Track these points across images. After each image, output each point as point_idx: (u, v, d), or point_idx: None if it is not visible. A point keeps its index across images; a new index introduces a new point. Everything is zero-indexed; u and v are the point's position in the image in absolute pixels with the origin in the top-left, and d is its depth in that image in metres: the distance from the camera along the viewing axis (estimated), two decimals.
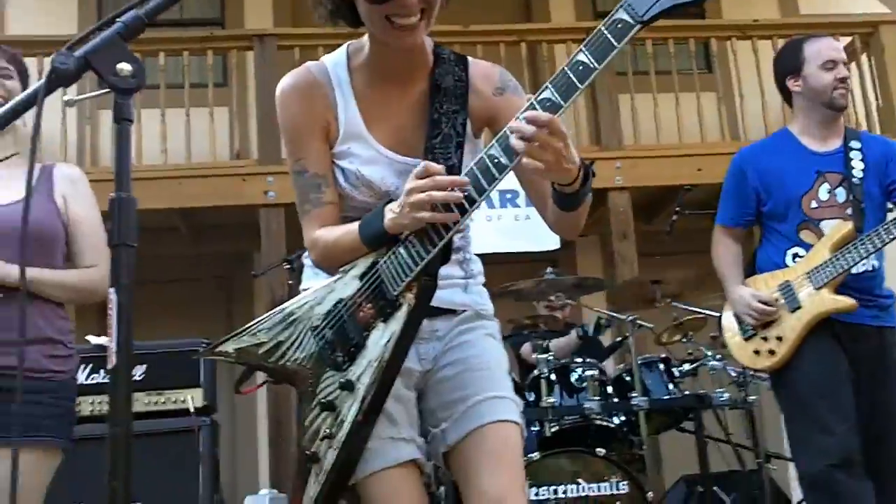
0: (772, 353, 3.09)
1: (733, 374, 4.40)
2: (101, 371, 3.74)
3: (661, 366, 4.41)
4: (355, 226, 1.77)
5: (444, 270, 1.79)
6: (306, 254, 1.92)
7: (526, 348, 4.56)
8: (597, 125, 6.71)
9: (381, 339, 1.70)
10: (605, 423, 4.12)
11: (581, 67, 1.54)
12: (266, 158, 6.09)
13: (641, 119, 6.53)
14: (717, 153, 6.10)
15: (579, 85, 1.55)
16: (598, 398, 4.07)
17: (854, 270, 3.02)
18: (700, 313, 4.67)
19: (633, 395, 4.12)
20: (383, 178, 1.83)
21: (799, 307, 3.05)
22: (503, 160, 1.61)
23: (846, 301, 3.01)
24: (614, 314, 4.72)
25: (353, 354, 1.72)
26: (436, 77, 1.86)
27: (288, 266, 4.44)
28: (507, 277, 4.48)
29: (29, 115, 1.37)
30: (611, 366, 4.74)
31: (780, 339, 3.07)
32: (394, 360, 1.70)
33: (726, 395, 4.32)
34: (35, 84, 1.37)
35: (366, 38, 1.86)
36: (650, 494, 3.70)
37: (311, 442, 1.73)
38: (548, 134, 1.54)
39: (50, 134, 5.97)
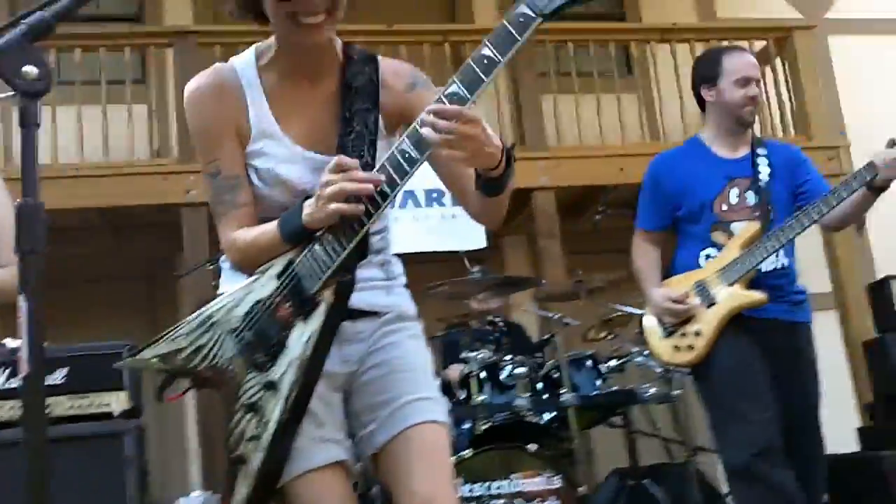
0: (690, 348, 3.19)
1: (658, 369, 4.49)
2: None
3: (589, 362, 4.46)
4: (273, 224, 1.76)
5: (365, 273, 1.80)
6: (224, 257, 1.90)
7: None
8: (520, 125, 6.77)
9: (301, 337, 1.69)
10: (535, 420, 4.16)
11: (486, 61, 1.58)
12: (187, 157, 5.96)
13: (564, 120, 6.60)
14: (638, 154, 6.21)
15: (484, 78, 1.59)
16: (528, 395, 4.10)
17: (764, 268, 3.15)
18: (625, 311, 4.75)
19: (563, 391, 4.17)
20: (300, 176, 1.82)
21: (714, 303, 3.16)
22: (414, 154, 1.63)
23: (758, 295, 3.13)
24: (542, 312, 4.76)
25: (274, 354, 1.71)
26: (346, 76, 1.86)
27: (212, 267, 4.37)
28: (435, 276, 4.48)
29: None
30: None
31: (697, 334, 3.17)
32: (315, 357, 1.69)
33: (653, 391, 4.40)
34: None
35: (273, 37, 1.86)
36: (583, 488, 3.75)
37: (237, 444, 1.71)
38: (461, 124, 1.57)
39: None
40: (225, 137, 1.83)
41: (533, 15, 1.56)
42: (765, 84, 6.52)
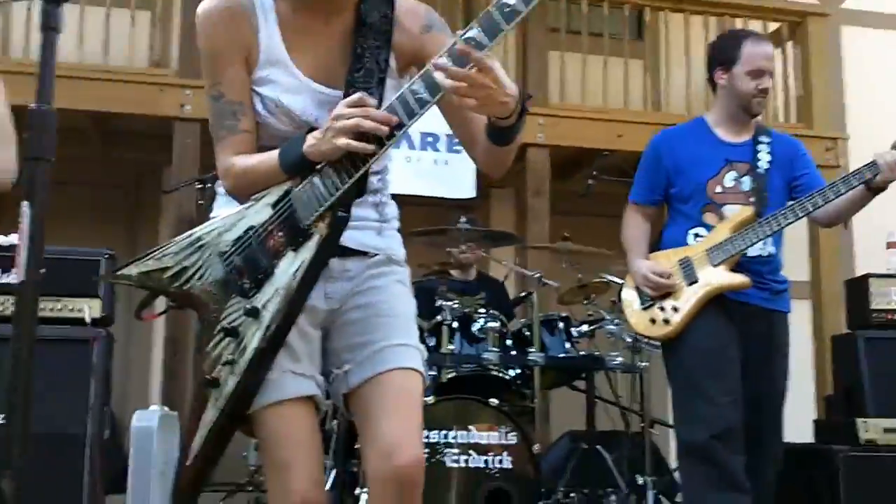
0: (666, 322, 3.22)
1: (628, 339, 4.53)
2: (10, 271, 3.61)
3: (561, 324, 4.50)
4: (273, 153, 1.75)
5: (359, 212, 1.80)
6: (219, 182, 1.89)
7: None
8: (525, 79, 6.71)
9: (290, 267, 1.70)
10: (500, 375, 4.20)
11: (507, 9, 1.57)
12: (186, 71, 5.87)
13: (568, 78, 6.55)
14: (639, 122, 6.21)
15: (504, 26, 1.58)
16: (496, 350, 4.14)
17: (750, 253, 3.18)
18: (604, 278, 4.78)
19: (531, 350, 4.21)
20: (304, 107, 1.81)
21: (695, 281, 3.19)
22: (425, 95, 1.63)
23: (740, 278, 3.16)
24: (521, 269, 4.78)
25: (260, 282, 1.71)
26: (361, 11, 1.84)
27: (200, 186, 4.34)
28: (422, 222, 4.49)
29: None
30: None
31: (675, 309, 3.21)
32: (301, 288, 1.70)
33: (619, 360, 4.45)
34: None
35: None
36: (537, 446, 3.81)
37: (212, 367, 1.72)
38: (476, 71, 1.56)
39: None
40: (232, 62, 1.81)
41: None
42: None
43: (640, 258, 3.34)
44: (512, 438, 3.75)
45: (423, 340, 4.00)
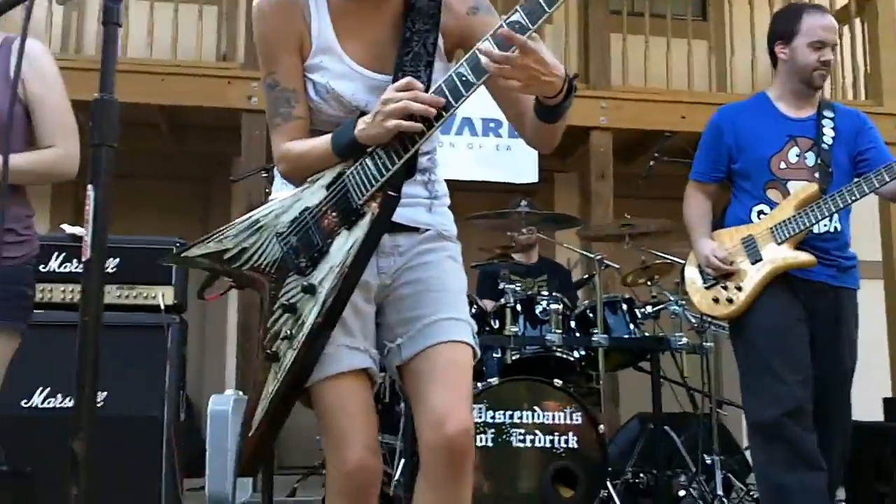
0: (730, 301, 3.19)
1: (693, 320, 4.49)
2: (74, 260, 3.76)
3: (625, 306, 4.49)
4: (326, 137, 1.82)
5: (409, 189, 1.85)
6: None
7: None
8: (586, 63, 6.69)
9: (344, 245, 1.76)
10: (565, 356, 4.21)
11: None
12: (252, 63, 5.98)
13: (631, 61, 6.50)
14: (703, 102, 6.13)
15: (547, 9, 1.62)
16: (560, 331, 4.15)
17: (815, 230, 3.13)
18: (667, 259, 4.75)
19: (595, 331, 4.21)
20: (354, 93, 1.86)
21: (759, 259, 3.15)
22: (471, 78, 1.68)
23: (805, 256, 3.11)
24: (584, 252, 4.77)
25: (315, 260, 1.78)
26: None
27: (266, 174, 4.43)
28: (485, 206, 4.51)
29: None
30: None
31: (739, 288, 3.18)
32: (355, 266, 1.76)
33: (684, 340, 4.42)
34: None
35: None
36: (602, 427, 3.82)
37: (272, 342, 1.79)
38: (519, 54, 1.61)
39: (34, 18, 5.82)
40: (286, 51, 1.88)
41: None
42: (841, 44, 6.34)
43: (704, 238, 3.31)
44: (577, 419, 3.78)
45: (486, 323, 4.10)
